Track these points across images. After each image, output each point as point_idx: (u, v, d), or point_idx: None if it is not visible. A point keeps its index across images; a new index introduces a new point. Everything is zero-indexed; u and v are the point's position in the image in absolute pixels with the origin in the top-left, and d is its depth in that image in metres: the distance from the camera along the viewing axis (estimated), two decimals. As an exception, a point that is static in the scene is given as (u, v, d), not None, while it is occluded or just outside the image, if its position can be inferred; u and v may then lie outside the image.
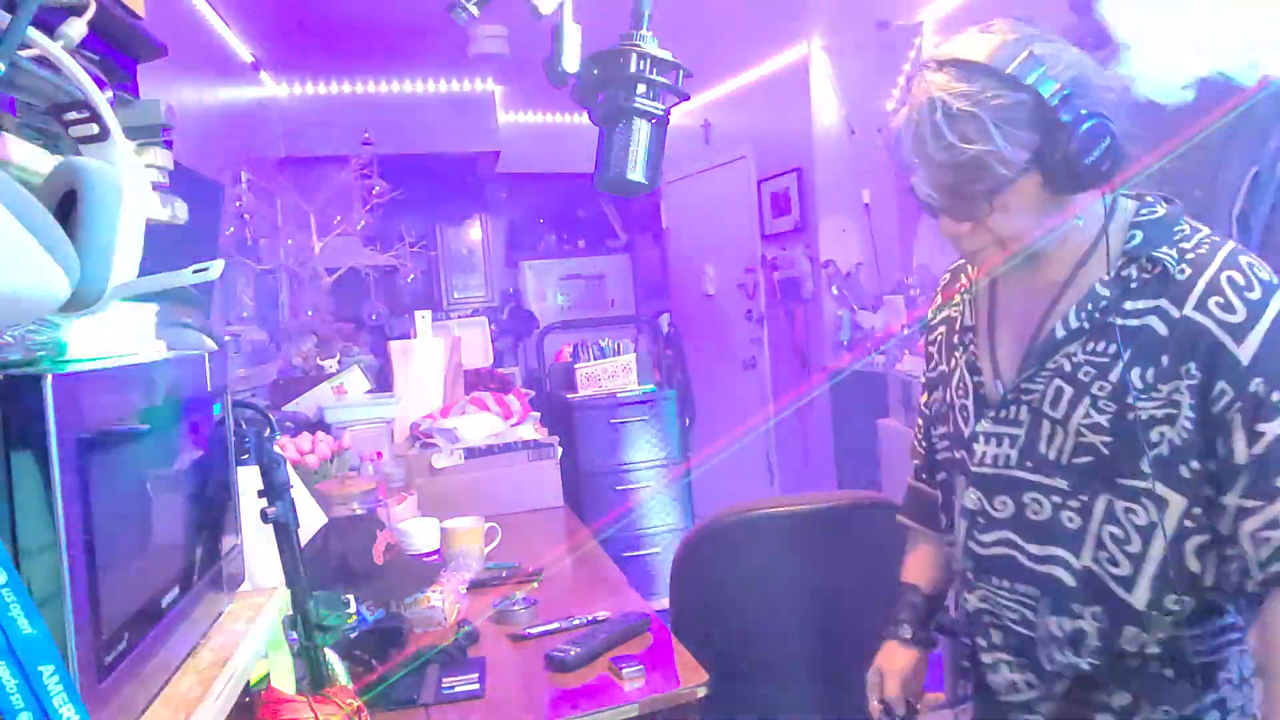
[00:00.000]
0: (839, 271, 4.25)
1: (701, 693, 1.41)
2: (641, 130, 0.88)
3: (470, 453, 2.66)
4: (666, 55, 0.89)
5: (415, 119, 4.51)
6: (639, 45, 0.88)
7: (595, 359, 4.18)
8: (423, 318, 3.05)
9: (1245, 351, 0.92)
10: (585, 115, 0.93)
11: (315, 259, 3.42)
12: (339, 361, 3.14)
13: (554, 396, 4.27)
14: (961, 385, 1.14)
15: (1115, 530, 0.99)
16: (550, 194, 5.61)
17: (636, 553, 3.58)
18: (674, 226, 5.35)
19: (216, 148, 3.03)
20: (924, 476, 1.33)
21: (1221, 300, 0.94)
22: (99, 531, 0.65)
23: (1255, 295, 0.94)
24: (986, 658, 1.13)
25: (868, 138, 4.13)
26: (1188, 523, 0.96)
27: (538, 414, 3.06)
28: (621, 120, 0.88)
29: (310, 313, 3.40)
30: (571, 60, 0.87)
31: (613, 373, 4.14)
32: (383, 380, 3.07)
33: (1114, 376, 0.98)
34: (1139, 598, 0.98)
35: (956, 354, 1.17)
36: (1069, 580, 1.02)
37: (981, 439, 1.09)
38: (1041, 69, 0.92)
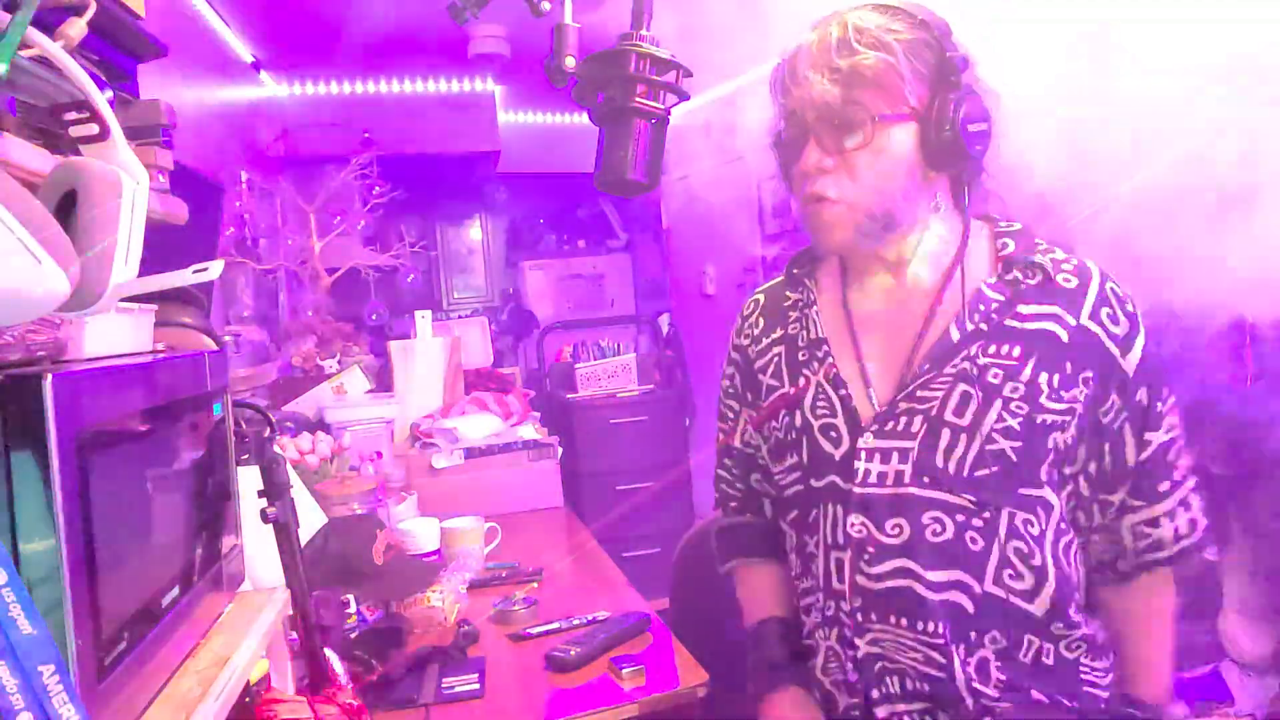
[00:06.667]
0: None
1: (701, 693, 1.41)
2: (641, 130, 0.88)
3: (470, 453, 2.66)
4: (666, 55, 0.89)
5: (415, 119, 4.50)
6: (639, 45, 0.88)
7: (595, 359, 4.18)
8: (423, 318, 3.05)
9: (1130, 363, 0.98)
10: (585, 115, 0.93)
11: (315, 259, 3.42)
12: (339, 361, 3.13)
13: (554, 396, 4.27)
14: (824, 403, 1.04)
15: (1019, 545, 0.96)
16: (550, 194, 5.60)
17: (636, 553, 3.58)
18: (674, 226, 5.35)
19: (216, 148, 3.03)
20: (747, 515, 1.23)
21: (1110, 312, 0.98)
22: (99, 531, 0.65)
23: (1130, 308, 1.00)
24: (881, 711, 0.99)
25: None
26: (1061, 524, 0.99)
27: (538, 414, 3.06)
28: (621, 120, 0.88)
29: (310, 313, 3.40)
30: (571, 60, 0.87)
31: (613, 373, 4.14)
32: (383, 380, 3.07)
33: (1025, 378, 0.95)
34: (1039, 608, 0.96)
35: (808, 372, 1.06)
36: (969, 608, 0.95)
37: (864, 456, 0.99)
38: (952, 38, 0.97)
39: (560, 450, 2.77)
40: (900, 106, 0.95)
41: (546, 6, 0.86)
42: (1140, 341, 0.99)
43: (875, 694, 0.99)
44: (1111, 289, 1.00)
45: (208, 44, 3.14)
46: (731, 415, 1.22)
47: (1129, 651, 1.05)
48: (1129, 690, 1.03)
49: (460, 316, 4.68)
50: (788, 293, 1.15)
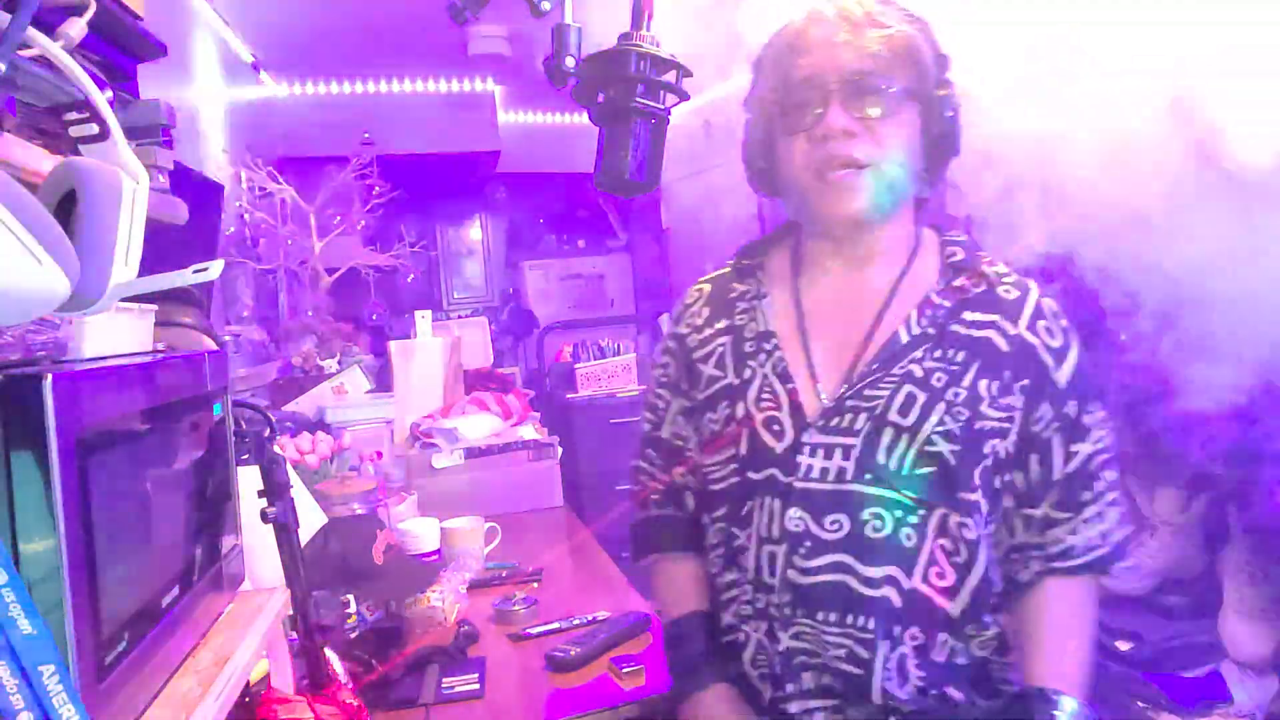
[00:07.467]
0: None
1: (701, 693, 1.40)
2: (641, 130, 0.88)
3: (470, 453, 2.66)
4: (666, 55, 0.89)
5: (415, 119, 4.50)
6: (639, 45, 0.88)
7: (595, 359, 4.18)
8: (423, 318, 3.05)
9: (1063, 375, 1.01)
10: (585, 115, 0.93)
11: (315, 259, 3.42)
12: (339, 361, 3.14)
13: (554, 396, 4.27)
14: (769, 396, 1.03)
15: (946, 543, 0.97)
16: (550, 194, 5.61)
17: (636, 553, 3.57)
18: (674, 226, 5.35)
19: (216, 148, 3.03)
20: (670, 508, 1.20)
21: (1046, 325, 1.02)
22: (99, 531, 0.65)
23: (1064, 323, 1.03)
24: (794, 707, 1.00)
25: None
26: (988, 528, 1.01)
27: (538, 414, 3.06)
28: (621, 120, 0.88)
29: (310, 313, 3.40)
30: (571, 60, 0.87)
31: (613, 373, 4.14)
32: (383, 380, 3.07)
33: (966, 384, 0.98)
34: (957, 607, 0.98)
35: (753, 364, 1.06)
36: (897, 602, 0.96)
37: (807, 451, 0.99)
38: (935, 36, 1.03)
39: (560, 450, 2.77)
40: (918, 86, 0.99)
41: (547, 6, 0.86)
42: (1073, 355, 1.02)
43: (790, 688, 1.00)
44: (1048, 304, 1.04)
45: (208, 44, 3.14)
46: (662, 406, 1.19)
47: (1031, 645, 1.02)
48: (1030, 680, 1.00)
49: (460, 316, 4.69)
50: (735, 284, 1.14)
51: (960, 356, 0.99)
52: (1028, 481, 1.02)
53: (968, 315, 1.01)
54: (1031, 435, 1.01)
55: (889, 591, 0.96)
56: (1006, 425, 0.99)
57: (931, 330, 1.00)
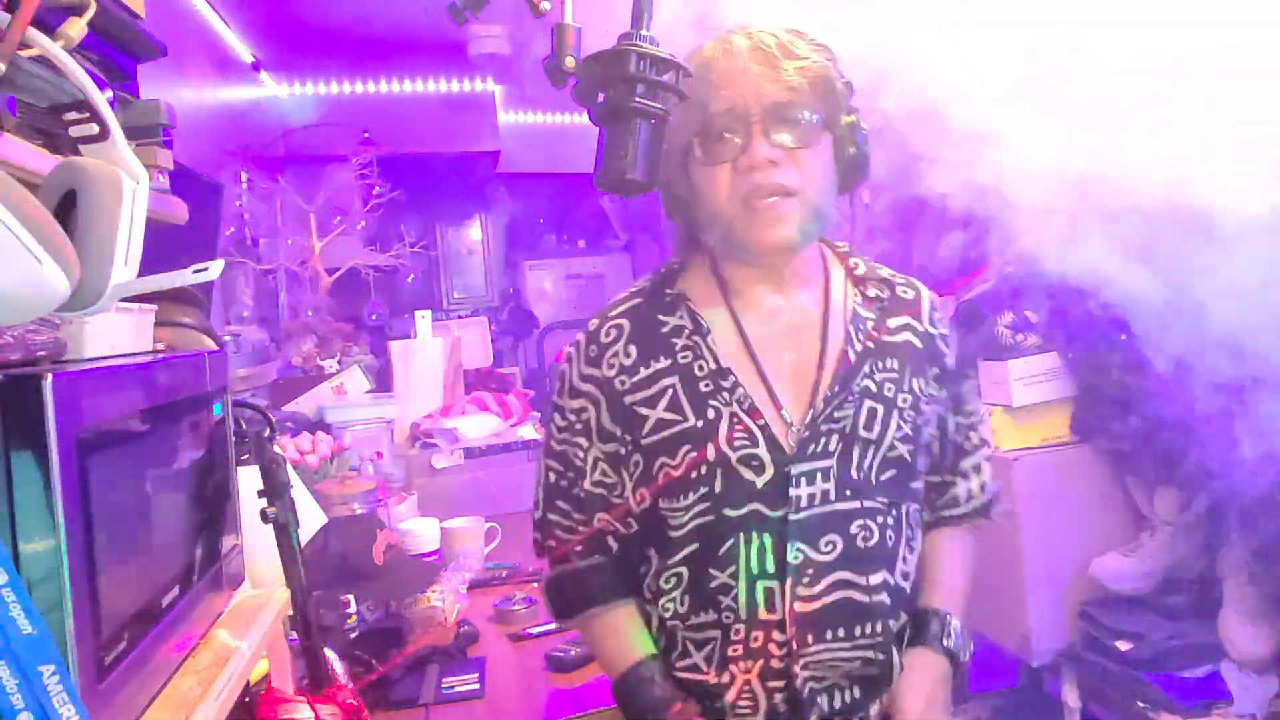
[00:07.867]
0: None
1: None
2: (641, 130, 0.88)
3: (470, 453, 2.66)
4: (666, 55, 0.89)
5: (415, 119, 4.50)
6: (638, 45, 0.88)
7: (595, 359, 4.18)
8: (423, 318, 3.05)
9: (951, 358, 1.12)
10: (585, 115, 0.93)
11: (315, 259, 3.43)
12: (339, 361, 3.14)
13: (554, 396, 4.28)
14: (742, 434, 1.01)
15: (908, 532, 1.06)
16: (550, 194, 5.61)
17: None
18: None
19: (216, 148, 3.03)
20: (595, 557, 1.12)
21: (939, 315, 1.13)
22: (99, 531, 0.65)
23: (947, 313, 1.16)
24: None
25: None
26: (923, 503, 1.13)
27: (538, 414, 3.06)
28: (621, 120, 0.88)
29: (310, 313, 3.40)
30: (571, 60, 0.87)
31: (613, 373, 4.14)
32: (383, 380, 3.07)
33: (907, 387, 1.05)
34: (911, 582, 1.08)
35: (715, 403, 1.02)
36: (889, 600, 1.01)
37: (793, 481, 0.99)
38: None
39: (560, 450, 2.77)
40: (831, 115, 1.02)
41: (546, 6, 0.86)
42: (955, 339, 1.14)
43: (813, 717, 0.99)
44: (934, 297, 1.14)
45: (208, 44, 3.14)
46: (580, 456, 1.10)
47: (927, 579, 1.12)
48: (925, 604, 1.09)
49: (460, 316, 4.68)
50: (661, 317, 1.07)
51: (895, 364, 1.06)
52: (931, 454, 1.11)
53: (890, 322, 1.08)
54: (934, 414, 1.10)
55: (885, 594, 1.01)
56: (930, 411, 1.08)
57: (870, 344, 1.05)
